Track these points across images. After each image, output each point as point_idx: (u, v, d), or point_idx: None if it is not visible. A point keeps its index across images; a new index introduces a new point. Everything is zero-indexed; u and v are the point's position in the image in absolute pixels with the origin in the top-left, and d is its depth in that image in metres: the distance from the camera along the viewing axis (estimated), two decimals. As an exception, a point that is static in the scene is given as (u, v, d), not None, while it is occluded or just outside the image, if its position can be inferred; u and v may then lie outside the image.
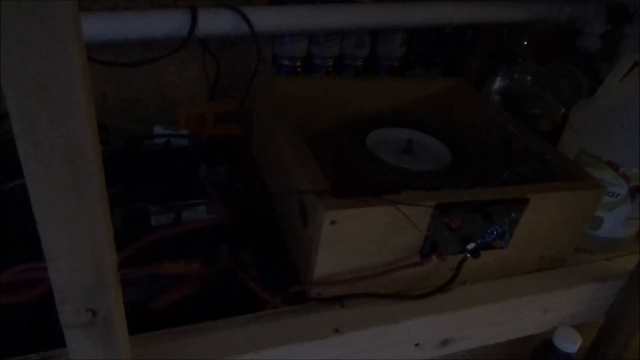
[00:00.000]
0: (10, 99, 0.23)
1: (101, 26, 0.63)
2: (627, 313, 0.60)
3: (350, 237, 0.45)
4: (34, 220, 0.26)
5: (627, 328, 0.61)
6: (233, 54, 0.78)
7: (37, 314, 0.43)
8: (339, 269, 0.47)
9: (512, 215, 0.49)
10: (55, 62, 0.23)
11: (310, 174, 0.47)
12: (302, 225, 0.48)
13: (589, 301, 0.59)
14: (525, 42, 0.83)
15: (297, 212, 0.49)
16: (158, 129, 0.68)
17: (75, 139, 0.25)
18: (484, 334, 0.55)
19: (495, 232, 0.50)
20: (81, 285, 0.30)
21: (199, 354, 0.42)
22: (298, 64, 0.78)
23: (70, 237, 0.28)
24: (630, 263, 0.59)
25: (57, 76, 0.23)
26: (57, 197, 0.26)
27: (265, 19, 0.69)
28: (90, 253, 0.29)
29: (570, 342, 0.57)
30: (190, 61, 0.77)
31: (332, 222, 0.43)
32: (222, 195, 0.59)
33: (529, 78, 0.80)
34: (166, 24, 0.64)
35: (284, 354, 0.44)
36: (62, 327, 0.31)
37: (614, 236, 0.61)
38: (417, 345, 0.51)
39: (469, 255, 0.49)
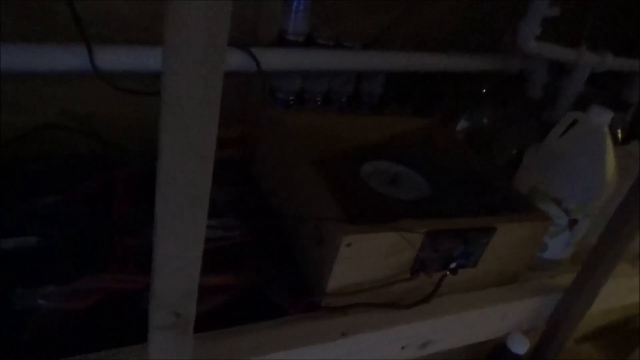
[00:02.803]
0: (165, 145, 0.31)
1: (124, 58, 0.69)
2: (564, 320, 0.73)
3: (359, 256, 0.55)
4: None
5: (564, 333, 0.75)
6: (234, 83, 0.85)
7: (93, 319, 0.49)
8: (346, 282, 0.56)
9: (483, 240, 0.61)
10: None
11: (326, 201, 0.56)
12: (316, 245, 0.57)
13: (535, 310, 0.72)
14: (485, 90, 0.97)
15: (311, 233, 0.58)
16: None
17: (197, 181, 0.34)
18: (456, 338, 0.66)
19: (469, 254, 0.61)
20: (176, 292, 0.37)
21: (231, 354, 0.50)
22: (291, 97, 0.88)
23: (179, 251, 0.35)
24: (567, 280, 0.73)
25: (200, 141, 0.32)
26: (177, 219, 0.34)
27: (269, 59, 0.78)
28: (190, 264, 0.37)
29: (520, 345, 0.69)
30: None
31: (348, 245, 0.52)
32: (237, 215, 0.66)
33: (486, 120, 0.94)
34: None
35: (302, 354, 0.53)
36: (150, 327, 0.38)
37: (556, 258, 0.75)
38: (403, 347, 0.61)
39: (448, 273, 0.60)
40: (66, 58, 0.66)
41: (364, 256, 0.55)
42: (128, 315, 0.49)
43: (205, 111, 0.31)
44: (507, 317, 0.69)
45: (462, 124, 0.91)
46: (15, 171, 0.64)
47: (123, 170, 0.66)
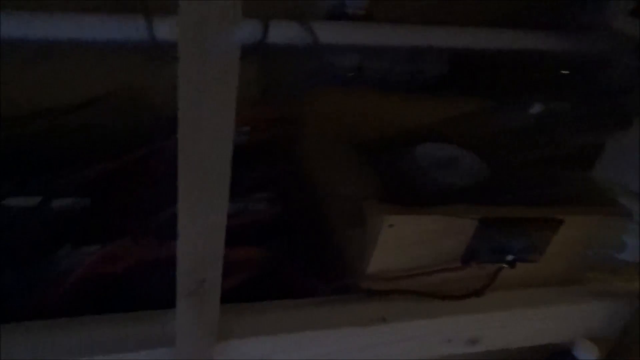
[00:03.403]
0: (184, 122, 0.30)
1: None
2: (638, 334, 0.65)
3: (403, 240, 0.51)
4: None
5: (638, 349, 0.67)
6: (287, 60, 0.84)
7: (129, 282, 0.49)
8: (388, 266, 0.53)
9: (547, 233, 0.55)
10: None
11: (370, 181, 0.53)
12: (356, 225, 0.54)
13: (606, 317, 0.64)
14: (563, 71, 0.88)
15: (353, 213, 0.55)
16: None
17: (219, 145, 0.32)
18: (509, 337, 0.60)
19: (529, 247, 0.55)
20: (200, 258, 0.36)
21: (256, 329, 0.49)
22: (348, 75, 0.84)
23: (202, 218, 0.34)
24: (646, 287, 0.64)
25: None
26: (200, 187, 0.33)
27: (327, 33, 0.75)
28: (212, 232, 0.35)
29: (587, 354, 0.62)
30: (249, 65, 0.83)
31: (390, 226, 0.49)
32: (276, 193, 0.65)
33: (563, 105, 0.85)
34: (240, 33, 0.71)
35: (337, 335, 0.51)
36: (177, 293, 0.38)
37: (634, 260, 0.67)
38: (449, 340, 0.57)
39: (505, 265, 0.55)
40: (124, 28, 0.67)
41: (408, 239, 0.51)
42: (163, 281, 0.49)
43: (221, 67, 0.29)
44: (571, 321, 0.62)
45: (535, 108, 0.83)
46: (71, 139, 0.66)
47: (171, 141, 0.66)
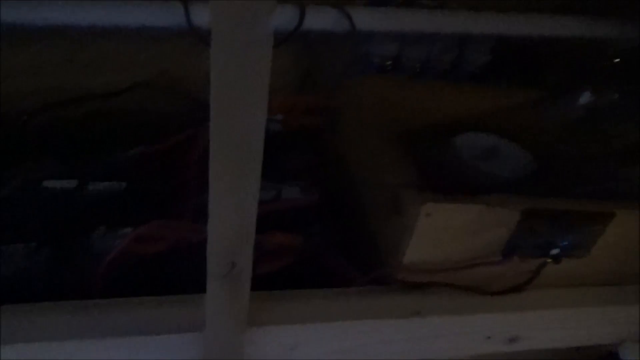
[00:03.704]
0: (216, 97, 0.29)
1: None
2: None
3: (441, 230, 0.49)
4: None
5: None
6: (326, 48, 0.82)
7: (162, 265, 0.49)
8: (424, 257, 0.51)
9: (597, 227, 0.51)
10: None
11: (407, 169, 0.51)
12: (392, 214, 0.52)
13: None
14: (614, 60, 0.83)
15: (389, 202, 0.53)
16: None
17: (251, 130, 0.31)
18: (551, 337, 0.57)
19: (576, 242, 0.52)
20: (230, 240, 0.35)
21: (294, 316, 0.48)
22: (386, 63, 0.82)
23: (233, 201, 0.33)
24: None
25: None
26: (231, 169, 0.32)
27: (365, 19, 0.73)
28: (243, 215, 0.34)
29: (635, 357, 0.58)
30: (286, 52, 0.82)
31: (427, 214, 0.47)
32: (312, 181, 0.64)
33: (615, 96, 0.80)
34: (275, 19, 0.70)
35: (369, 327, 0.49)
36: (207, 275, 0.37)
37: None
38: (488, 338, 0.54)
39: (549, 260, 0.52)
40: (162, 15, 0.67)
41: (446, 230, 0.49)
42: (195, 265, 0.48)
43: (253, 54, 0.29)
44: (618, 323, 0.59)
45: (584, 98, 0.79)
46: (110, 124, 0.67)
47: (206, 127, 0.66)
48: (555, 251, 0.51)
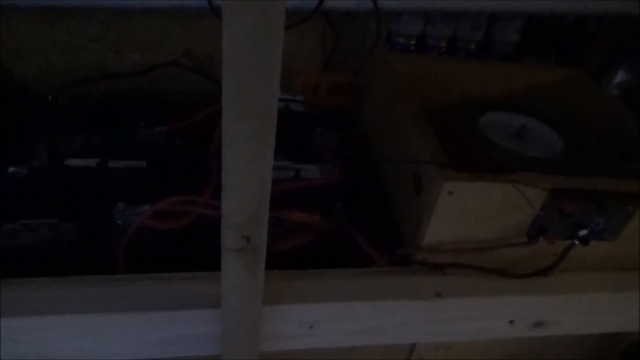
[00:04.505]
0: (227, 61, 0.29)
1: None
2: None
3: (463, 209, 0.47)
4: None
5: None
6: (351, 28, 0.81)
7: (181, 241, 0.50)
8: (446, 238, 0.50)
9: (628, 208, 0.49)
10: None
11: (429, 146, 0.49)
12: (414, 192, 0.51)
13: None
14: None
15: (411, 180, 0.52)
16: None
17: (266, 92, 0.30)
18: (578, 323, 0.55)
19: (606, 224, 0.50)
20: (244, 215, 0.35)
21: (312, 295, 0.47)
22: (412, 42, 0.80)
23: (247, 173, 0.33)
24: None
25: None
26: (246, 139, 0.31)
27: (389, -3, 0.72)
28: (257, 189, 0.34)
29: (667, 346, 0.56)
30: (310, 32, 0.81)
31: (449, 193, 0.46)
32: (337, 160, 0.63)
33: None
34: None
35: (388, 307, 0.48)
36: (222, 249, 0.37)
37: None
38: (511, 322, 0.53)
39: (576, 242, 0.50)
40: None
41: (469, 209, 0.47)
42: (214, 242, 0.49)
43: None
44: (650, 309, 0.56)
45: (620, 77, 0.75)
46: (136, 102, 0.68)
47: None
48: (583, 233, 0.49)
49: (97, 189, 0.52)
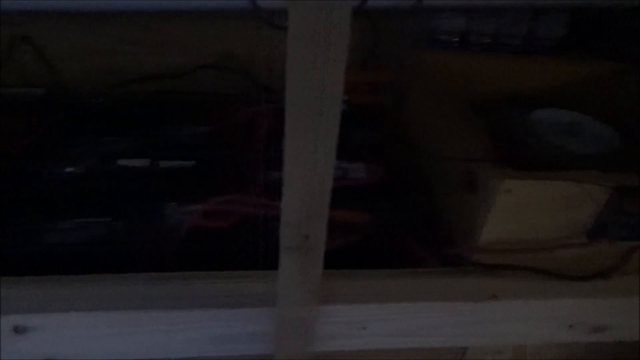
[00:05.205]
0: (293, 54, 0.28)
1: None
2: None
3: (521, 208, 0.46)
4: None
5: None
6: (390, 26, 0.80)
7: (230, 239, 0.50)
8: (502, 238, 0.48)
9: (698, 207, 0.46)
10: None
11: (483, 144, 0.48)
12: (466, 191, 0.50)
13: None
14: None
15: (462, 178, 0.51)
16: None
17: (329, 90, 0.30)
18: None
19: (674, 223, 0.47)
20: (303, 212, 0.34)
21: (364, 295, 0.46)
22: (454, 39, 0.79)
23: (307, 170, 0.32)
24: None
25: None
26: (306, 135, 0.31)
27: (431, -7, 0.70)
28: (317, 187, 0.33)
29: None
30: (351, 29, 0.80)
31: (507, 191, 0.44)
32: (381, 158, 0.62)
33: None
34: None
35: (442, 309, 0.47)
36: (280, 246, 0.36)
37: None
38: (570, 326, 0.51)
39: (641, 243, 0.48)
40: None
41: (527, 208, 0.46)
42: (264, 240, 0.48)
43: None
44: None
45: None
46: (177, 103, 0.68)
47: (270, 107, 0.66)
48: (649, 232, 0.46)
49: (148, 188, 0.52)
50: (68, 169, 0.51)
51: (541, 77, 0.68)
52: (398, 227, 0.52)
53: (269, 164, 0.58)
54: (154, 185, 0.53)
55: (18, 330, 0.42)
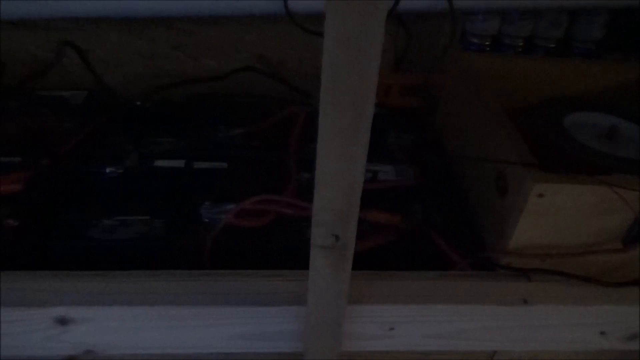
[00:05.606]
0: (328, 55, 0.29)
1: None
2: None
3: (553, 212, 0.45)
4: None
5: None
6: (423, 28, 0.80)
7: (262, 238, 0.51)
8: (533, 242, 0.48)
9: None
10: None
11: (516, 146, 0.48)
12: (498, 194, 0.50)
13: None
14: None
15: (494, 181, 0.51)
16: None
17: (363, 91, 0.31)
18: (679, 337, 0.52)
19: None
20: (334, 212, 0.35)
21: (394, 296, 0.47)
22: (487, 42, 0.78)
23: (340, 171, 0.33)
24: None
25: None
26: (340, 135, 0.32)
27: (464, -4, 0.70)
28: (348, 187, 0.34)
29: None
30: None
31: (539, 195, 0.44)
32: (414, 161, 0.62)
33: None
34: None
35: (471, 312, 0.47)
36: (311, 246, 0.37)
37: None
38: (602, 333, 0.50)
39: (679, 250, 0.46)
40: (262, 1, 0.69)
41: (559, 212, 0.45)
42: (295, 240, 0.50)
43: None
44: None
45: None
46: (213, 106, 0.71)
47: (303, 109, 0.67)
48: (689, 239, 0.45)
49: (184, 188, 0.54)
50: (108, 169, 0.54)
51: (577, 79, 0.67)
52: (430, 230, 0.52)
53: (301, 165, 0.59)
54: (190, 185, 0.55)
55: (62, 321, 0.44)
